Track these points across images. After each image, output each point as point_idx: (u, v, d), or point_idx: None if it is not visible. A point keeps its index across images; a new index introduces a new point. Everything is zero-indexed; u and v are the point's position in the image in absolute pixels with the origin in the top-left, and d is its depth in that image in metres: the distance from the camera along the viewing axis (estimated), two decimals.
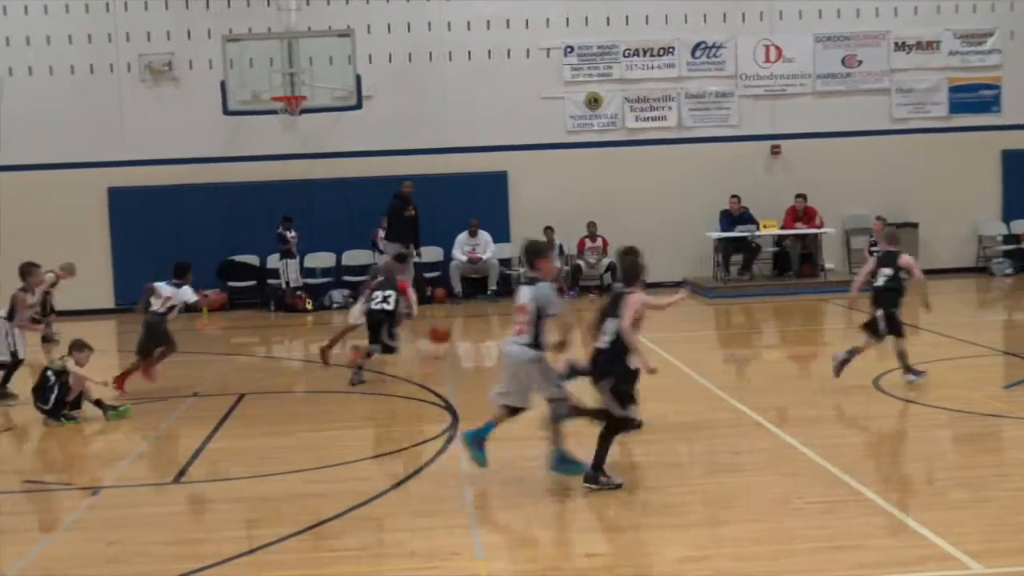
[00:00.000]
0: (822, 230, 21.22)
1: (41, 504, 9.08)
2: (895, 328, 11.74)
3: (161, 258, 20.40)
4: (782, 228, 21.21)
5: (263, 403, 12.43)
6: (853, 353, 11.82)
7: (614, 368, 8.16)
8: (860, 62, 22.06)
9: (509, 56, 21.65)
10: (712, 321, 18.37)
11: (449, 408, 11.42)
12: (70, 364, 11.49)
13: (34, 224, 20.33)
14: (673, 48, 21.86)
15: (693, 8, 21.84)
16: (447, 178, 20.84)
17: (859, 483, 8.15)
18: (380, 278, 13.72)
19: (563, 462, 8.43)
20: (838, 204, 21.64)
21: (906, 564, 6.63)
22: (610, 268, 21.18)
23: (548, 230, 21.27)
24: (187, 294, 13.28)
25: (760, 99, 22.01)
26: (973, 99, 22.22)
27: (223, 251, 20.95)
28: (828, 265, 21.31)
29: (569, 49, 21.75)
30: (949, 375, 12.32)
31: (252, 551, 7.25)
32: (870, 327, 11.91)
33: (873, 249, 20.48)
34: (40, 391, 11.48)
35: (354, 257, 21.47)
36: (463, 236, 21.12)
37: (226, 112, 19.49)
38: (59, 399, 11.40)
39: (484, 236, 21.15)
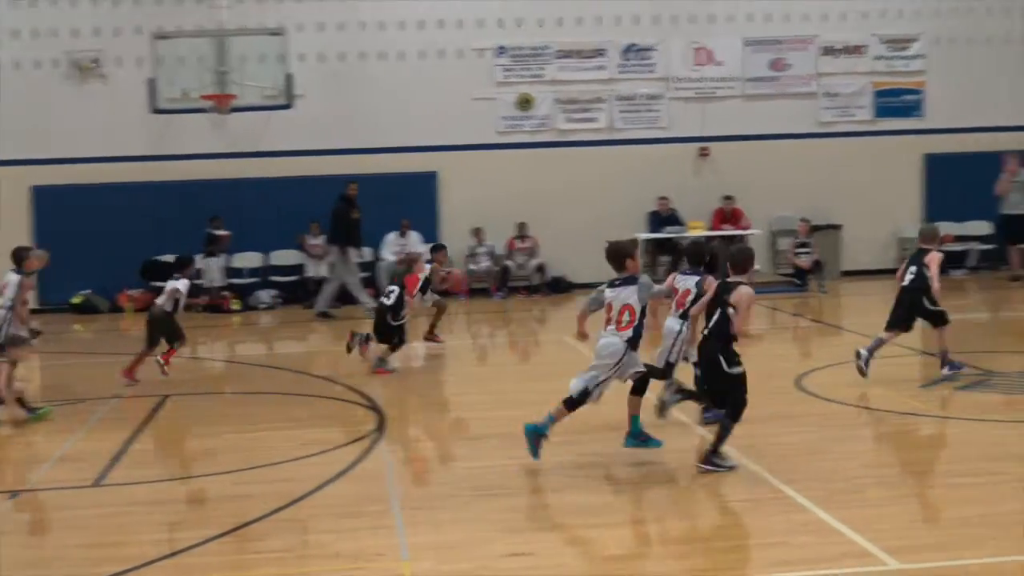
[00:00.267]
0: (748, 231, 21.45)
1: None
2: (937, 320, 11.91)
3: (87, 258, 20.37)
4: (709, 229, 21.41)
5: (187, 404, 12.31)
6: (878, 345, 11.92)
7: (724, 352, 8.54)
8: (788, 66, 22.33)
9: (441, 56, 21.63)
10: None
11: (376, 409, 11.40)
12: None
13: None
14: (604, 50, 21.98)
15: (624, 10, 21.97)
16: (377, 178, 20.75)
17: (781, 482, 8.27)
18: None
19: (640, 439, 8.92)
20: (765, 206, 21.88)
21: (826, 561, 6.74)
22: (539, 269, 21.27)
23: (477, 231, 21.32)
24: (181, 286, 13.41)
25: (689, 101, 22.19)
26: (897, 103, 22.59)
27: (149, 251, 20.68)
28: (755, 266, 21.50)
29: (501, 50, 21.79)
30: (869, 374, 12.51)
31: (175, 553, 7.19)
32: (893, 322, 12.00)
33: (799, 251, 20.81)
34: None
35: (283, 257, 21.33)
36: (393, 236, 21.07)
37: (154, 110, 19.27)
38: None
39: (414, 236, 21.11)
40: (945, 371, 11.88)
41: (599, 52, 21.98)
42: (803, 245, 20.85)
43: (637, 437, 8.99)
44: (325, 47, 21.33)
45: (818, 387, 11.75)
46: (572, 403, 8.94)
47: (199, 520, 7.85)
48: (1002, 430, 9.95)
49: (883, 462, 9.09)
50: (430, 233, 21.30)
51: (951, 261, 22.17)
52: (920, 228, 13.11)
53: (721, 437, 8.57)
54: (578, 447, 9.75)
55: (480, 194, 21.48)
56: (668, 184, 21.64)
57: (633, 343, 8.84)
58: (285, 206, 20.77)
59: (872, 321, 16.44)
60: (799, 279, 20.52)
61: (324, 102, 20.90)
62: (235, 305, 20.37)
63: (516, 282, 21.36)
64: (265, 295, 20.78)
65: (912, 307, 11.96)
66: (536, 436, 8.91)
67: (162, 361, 13.29)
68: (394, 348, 13.85)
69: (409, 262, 14.74)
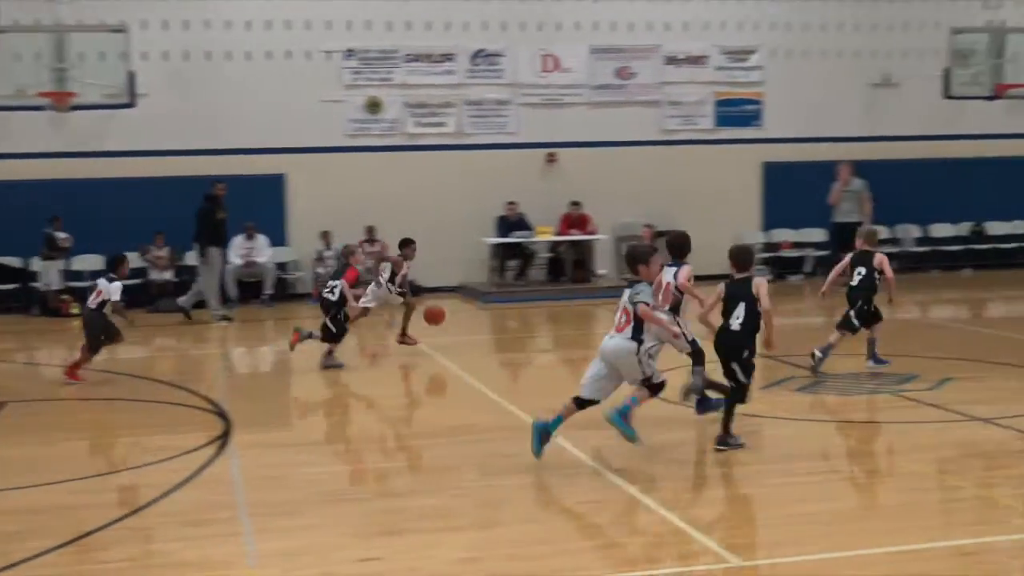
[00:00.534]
0: (594, 237, 21.80)
1: None
2: (870, 321, 12.53)
3: None
4: (557, 234, 21.68)
5: (25, 411, 11.93)
6: (828, 350, 12.43)
7: (746, 343, 9.27)
8: (634, 74, 22.75)
9: (289, 58, 21.40)
10: (487, 326, 18.62)
11: (222, 414, 11.23)
12: None
13: None
14: (453, 55, 22.06)
15: (473, 16, 22.09)
16: (223, 180, 20.39)
17: (627, 483, 8.44)
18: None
19: (623, 420, 8.93)
20: (610, 211, 22.24)
21: (671, 560, 6.91)
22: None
23: (325, 234, 21.16)
24: (114, 290, 13.20)
25: (537, 107, 22.42)
26: (737, 113, 23.23)
27: None
28: (600, 271, 21.89)
29: (350, 53, 21.67)
30: (711, 376, 12.82)
31: (11, 566, 6.96)
32: (844, 324, 12.56)
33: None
34: None
35: None
36: (239, 239, 20.76)
37: None
38: None
39: (261, 239, 20.86)
40: (870, 364, 12.69)
41: (448, 57, 22.05)
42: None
43: (622, 415, 9.00)
44: (169, 45, 20.89)
45: (666, 390, 11.97)
46: (653, 388, 9.08)
47: (37, 530, 7.61)
48: (835, 429, 10.34)
49: (725, 462, 9.33)
50: (278, 236, 21.12)
51: (788, 267, 22.97)
52: (862, 231, 13.55)
53: (730, 417, 9.35)
54: (428, 451, 9.78)
55: (328, 197, 21.33)
56: (516, 189, 21.82)
57: (636, 339, 8.92)
58: (127, 208, 20.25)
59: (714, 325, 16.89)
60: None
61: (168, 102, 20.48)
62: (74, 309, 19.70)
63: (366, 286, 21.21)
64: None
65: (853, 304, 12.57)
66: (542, 433, 8.98)
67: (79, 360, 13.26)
68: (336, 341, 13.93)
69: (346, 255, 14.68)
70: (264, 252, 20.84)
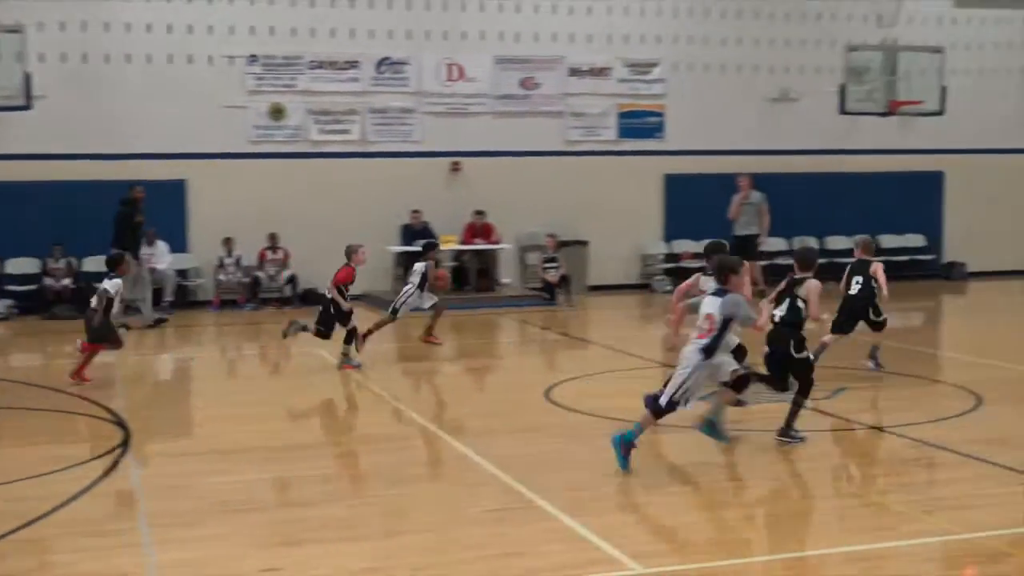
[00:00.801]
0: (499, 246, 21.90)
1: None
2: (878, 327, 13.01)
3: None
4: (461, 243, 21.72)
5: None
6: (822, 349, 12.55)
7: (794, 337, 9.64)
8: (538, 85, 22.89)
9: (191, 62, 21.15)
10: (391, 334, 18.50)
11: (121, 424, 11.05)
12: None
13: None
14: (358, 62, 21.98)
15: (378, 24, 22.03)
16: (123, 185, 20.05)
17: (531, 491, 8.49)
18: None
19: (713, 429, 9.40)
20: (514, 221, 22.35)
21: (574, 567, 6.97)
22: (291, 280, 21.04)
23: (227, 241, 20.93)
24: (109, 286, 13.18)
25: (442, 116, 22.43)
26: (639, 125, 23.50)
27: None
28: (504, 280, 21.99)
29: (253, 58, 21.48)
30: (613, 386, 12.99)
31: None
32: (838, 326, 12.87)
33: (547, 266, 21.33)
34: None
35: (19, 266, 20.35)
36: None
37: None
38: None
39: (161, 246, 20.52)
40: (870, 365, 13.15)
41: (353, 64, 21.97)
42: (551, 260, 21.41)
43: (711, 426, 9.42)
44: (67, 47, 20.50)
45: (566, 399, 12.09)
46: (659, 411, 9.12)
47: None
48: (734, 438, 10.50)
49: (622, 471, 9.45)
50: (179, 243, 20.83)
51: (689, 278, 23.25)
52: (859, 240, 13.79)
53: (794, 413, 9.69)
54: (332, 460, 9.74)
55: (230, 204, 21.09)
56: (420, 197, 21.82)
57: (707, 351, 9.01)
58: (22, 212, 19.84)
59: (618, 334, 17.10)
60: (548, 293, 21.05)
61: (67, 105, 20.09)
62: None
63: (267, 294, 21.07)
64: (0, 305, 19.74)
65: (857, 313, 12.90)
66: (625, 446, 9.00)
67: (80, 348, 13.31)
68: (326, 337, 14.23)
69: (347, 254, 14.74)
70: (164, 258, 20.50)
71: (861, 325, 13.08)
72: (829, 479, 9.03)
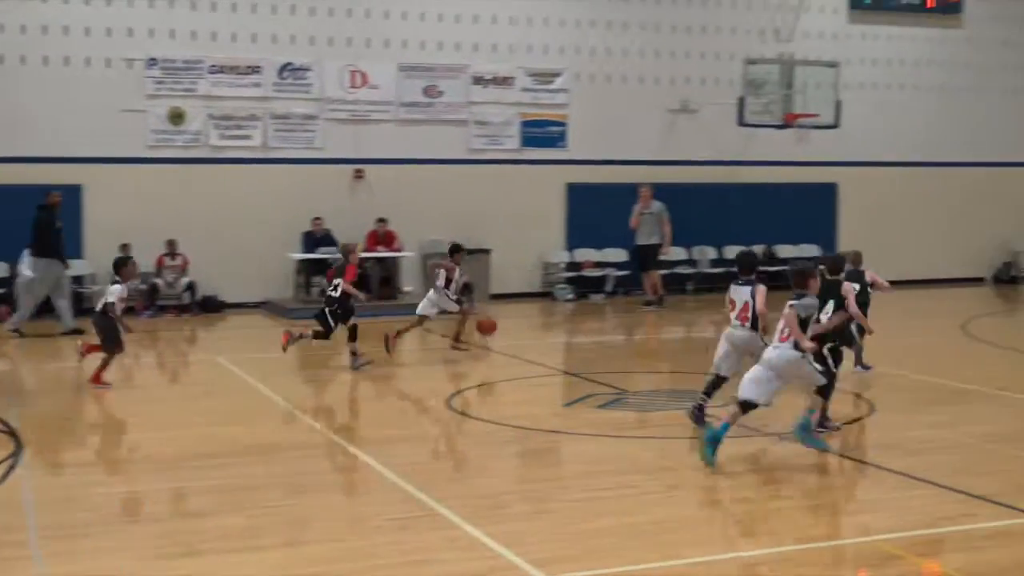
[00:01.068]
0: (401, 254, 21.85)
1: None
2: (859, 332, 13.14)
3: None
4: (364, 251, 21.58)
5: None
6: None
7: (835, 337, 10.63)
8: (441, 93, 22.89)
9: (88, 65, 20.75)
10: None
11: (12, 433, 10.80)
12: None
13: None
14: (260, 68, 21.77)
15: (281, 29, 21.84)
16: (15, 190, 19.61)
17: (432, 499, 8.49)
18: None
19: (808, 434, 9.83)
20: (417, 229, 22.31)
21: (475, 575, 7.00)
22: (190, 287, 20.75)
23: (124, 247, 20.55)
24: (111, 292, 13.22)
25: (344, 123, 22.32)
26: (542, 134, 23.63)
27: None
28: (407, 288, 21.93)
29: (152, 62, 21.14)
30: (515, 394, 13.06)
31: None
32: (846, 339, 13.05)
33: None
34: None
35: None
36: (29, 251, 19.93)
37: None
38: None
39: None
40: (858, 368, 13.71)
41: (255, 69, 21.75)
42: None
43: (805, 430, 9.81)
44: None
45: (467, 407, 12.12)
46: (747, 406, 9.58)
47: None
48: (634, 445, 10.62)
49: (528, 477, 9.51)
50: (74, 248, 20.35)
51: (590, 286, 23.45)
52: (847, 253, 13.99)
53: (824, 407, 10.34)
54: (231, 469, 9.64)
55: (128, 209, 20.73)
56: (322, 205, 21.68)
57: (796, 348, 9.49)
58: None
59: (517, 343, 17.16)
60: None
61: None
62: None
63: (166, 301, 20.75)
64: None
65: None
66: (715, 443, 9.36)
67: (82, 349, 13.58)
68: (326, 337, 14.55)
69: (345, 252, 14.87)
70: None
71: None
72: (726, 485, 9.17)
